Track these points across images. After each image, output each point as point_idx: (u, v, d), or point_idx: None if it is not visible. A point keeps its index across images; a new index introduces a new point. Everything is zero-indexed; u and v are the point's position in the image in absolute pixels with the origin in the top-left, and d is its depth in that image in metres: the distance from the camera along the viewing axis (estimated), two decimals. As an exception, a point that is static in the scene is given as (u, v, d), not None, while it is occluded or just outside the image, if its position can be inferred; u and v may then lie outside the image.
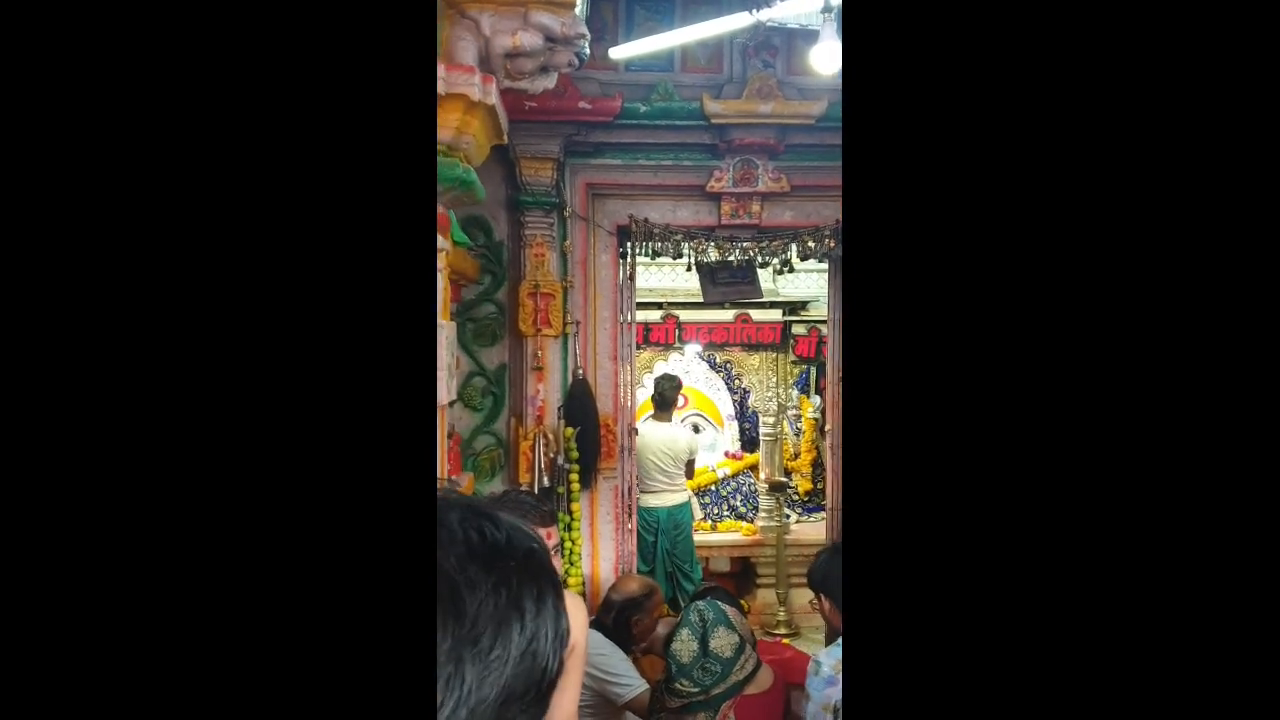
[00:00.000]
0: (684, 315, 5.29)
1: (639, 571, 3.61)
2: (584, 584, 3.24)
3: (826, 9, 2.12)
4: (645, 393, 5.39)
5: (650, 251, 3.47)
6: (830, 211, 3.47)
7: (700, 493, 5.24)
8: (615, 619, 2.68)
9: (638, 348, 5.25)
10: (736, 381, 5.57)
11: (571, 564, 3.23)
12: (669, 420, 4.64)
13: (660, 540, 4.27)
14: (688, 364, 5.48)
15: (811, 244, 3.50)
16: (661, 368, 5.39)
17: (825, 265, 3.84)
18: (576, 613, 1.89)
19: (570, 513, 3.24)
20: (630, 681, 2.43)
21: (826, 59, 2.12)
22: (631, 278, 3.58)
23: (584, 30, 2.08)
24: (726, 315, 5.33)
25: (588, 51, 2.29)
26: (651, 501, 4.26)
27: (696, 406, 5.51)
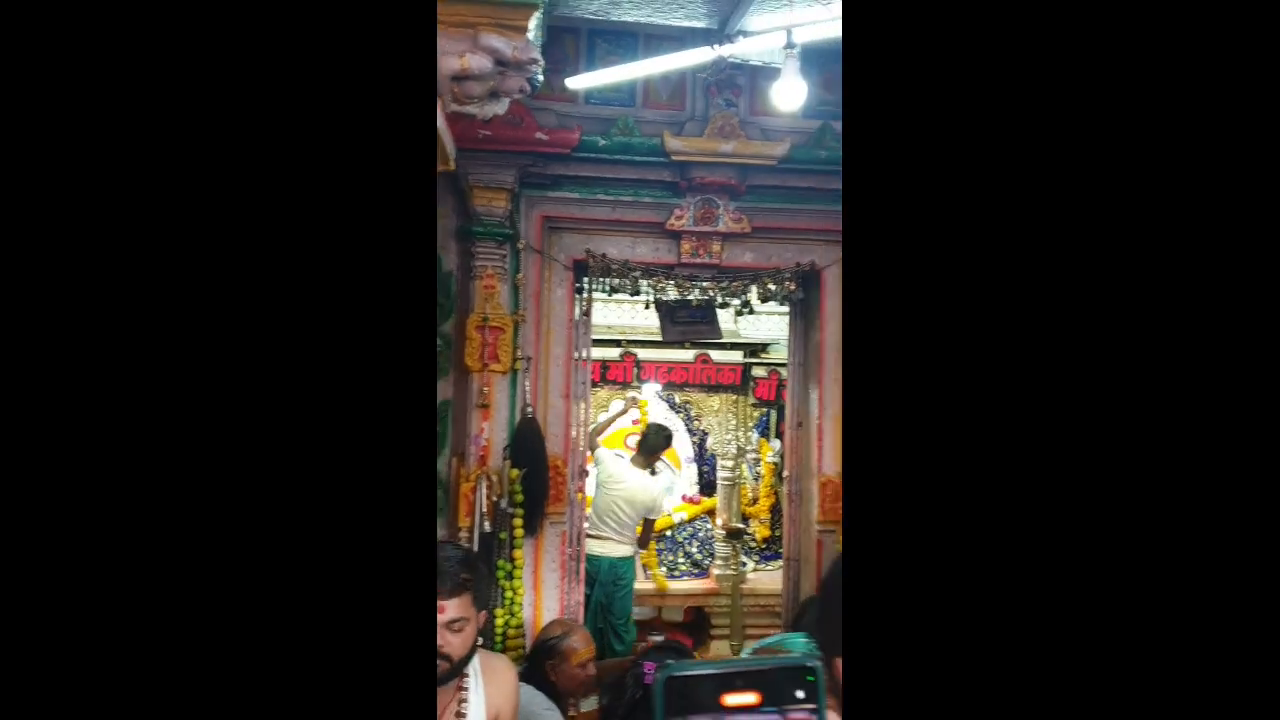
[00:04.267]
0: (643, 354, 5.19)
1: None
2: (523, 633, 3.06)
3: (789, 46, 2.05)
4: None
5: (608, 288, 3.37)
6: (791, 254, 3.41)
7: (657, 537, 5.09)
8: (530, 668, 2.52)
9: (594, 385, 5.15)
10: (696, 423, 5.46)
11: (512, 614, 3.05)
12: (646, 469, 4.37)
13: (596, 592, 3.98)
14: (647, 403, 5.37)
15: (772, 286, 3.43)
16: (618, 407, 5.27)
17: (786, 308, 3.78)
18: (503, 678, 1.75)
19: (512, 560, 3.07)
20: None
21: (788, 96, 2.05)
22: (587, 313, 3.47)
23: (536, 55, 1.99)
24: (687, 355, 5.24)
25: (540, 78, 2.21)
26: (595, 548, 3.97)
27: (654, 448, 5.38)
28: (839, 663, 0.69)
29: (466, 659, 1.50)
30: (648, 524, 4.28)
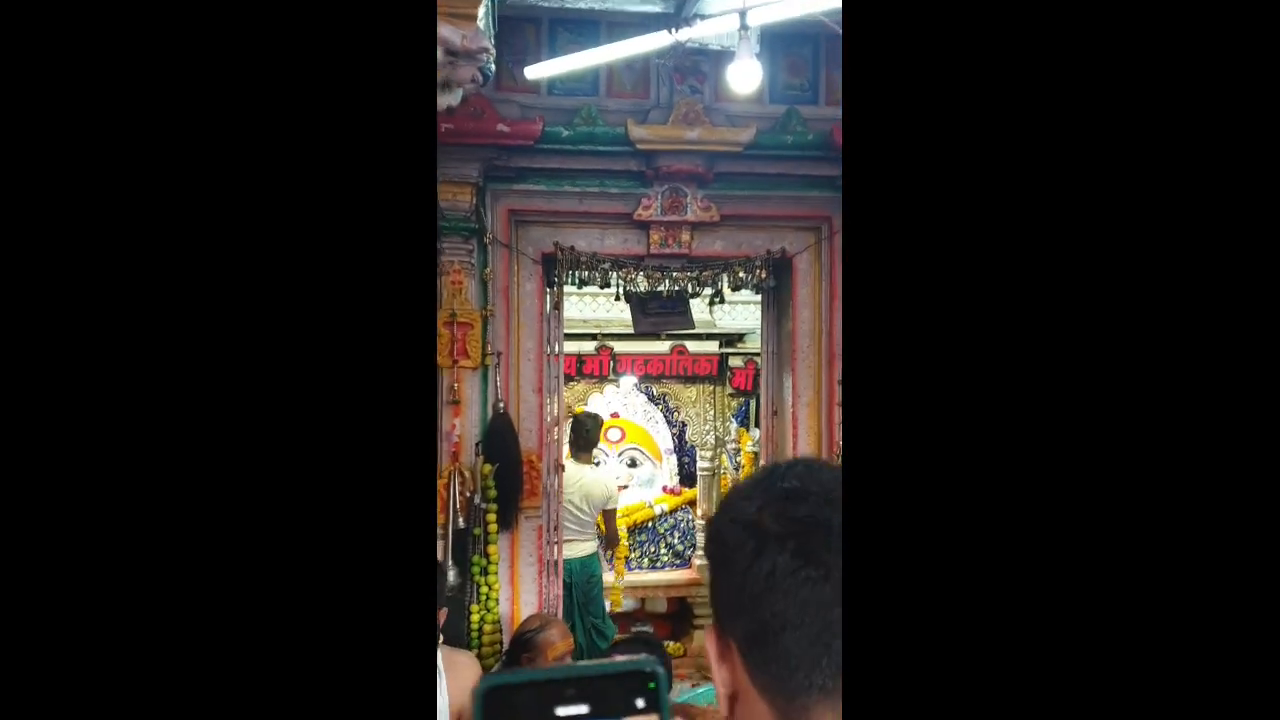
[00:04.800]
0: (619, 347, 5.17)
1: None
2: (499, 628, 3.04)
3: (744, 27, 2.04)
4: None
5: (577, 280, 3.35)
6: (761, 242, 3.40)
7: (637, 530, 5.07)
8: (507, 661, 2.50)
9: (570, 380, 5.13)
10: (675, 415, 5.45)
11: (488, 609, 3.03)
12: (590, 463, 4.30)
13: (574, 594, 3.93)
14: (625, 396, 5.35)
15: (742, 274, 3.42)
16: (596, 400, 5.25)
17: (758, 297, 3.77)
18: (466, 674, 1.73)
19: (487, 555, 3.05)
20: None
21: (743, 78, 2.03)
22: (558, 307, 3.44)
23: (487, 44, 1.96)
24: (662, 347, 5.22)
25: (493, 68, 2.18)
26: (564, 552, 3.94)
27: (634, 440, 5.37)
28: None
29: None
30: (608, 515, 4.22)
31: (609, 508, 4.20)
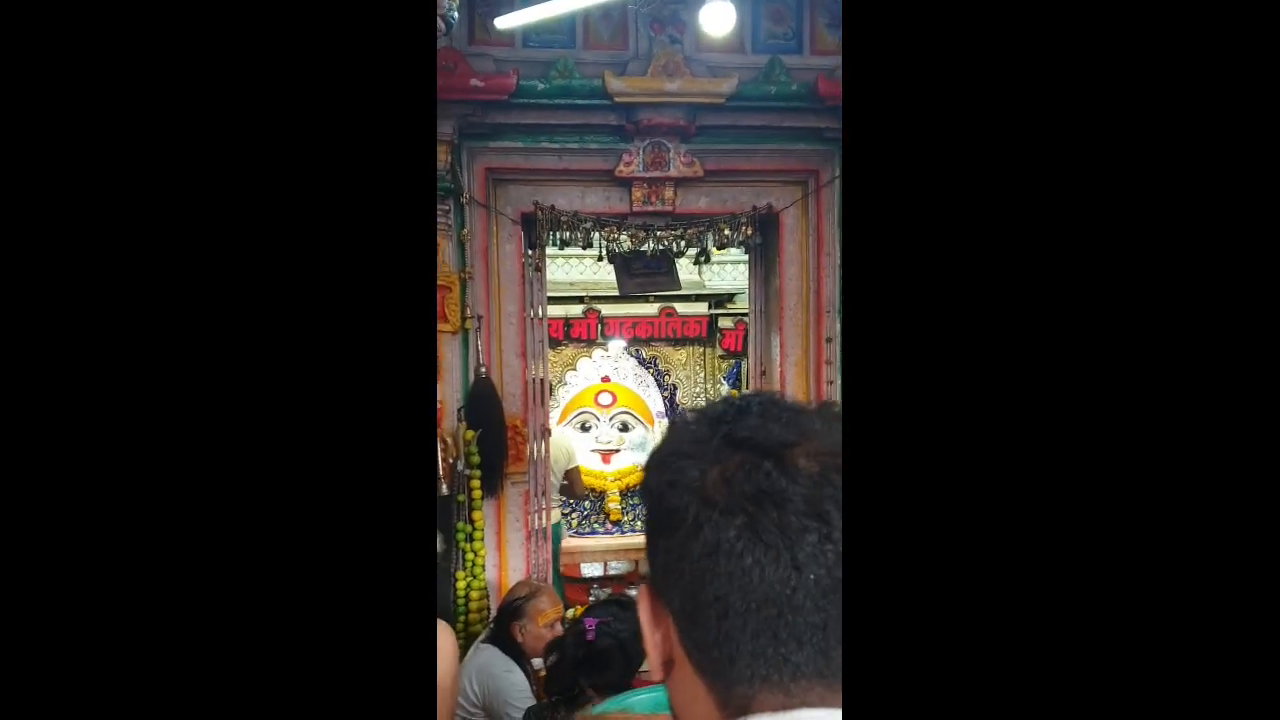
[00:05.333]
0: (606, 309, 5.09)
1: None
2: (486, 595, 3.01)
3: (718, -32, 1.93)
4: (567, 391, 5.19)
5: (558, 241, 3.26)
6: (747, 198, 3.31)
7: (630, 493, 5.05)
8: (497, 629, 2.47)
9: (558, 344, 5.06)
10: (666, 378, 5.39)
11: (475, 575, 3.00)
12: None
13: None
14: (614, 359, 5.29)
15: (728, 232, 3.33)
16: (585, 364, 5.19)
17: (746, 255, 3.69)
18: (442, 645, 1.68)
19: (472, 521, 3.01)
20: (522, 707, 2.22)
21: (715, 19, 1.94)
22: (539, 268, 3.36)
23: (447, -12, 1.86)
24: (651, 309, 5.15)
25: (455, 15, 2.08)
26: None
27: (625, 404, 5.32)
28: None
29: None
30: (571, 474, 4.22)
31: (570, 466, 4.20)
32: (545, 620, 2.50)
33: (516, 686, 2.31)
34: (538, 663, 2.41)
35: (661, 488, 0.55)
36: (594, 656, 1.79)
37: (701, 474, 0.53)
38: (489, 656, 2.43)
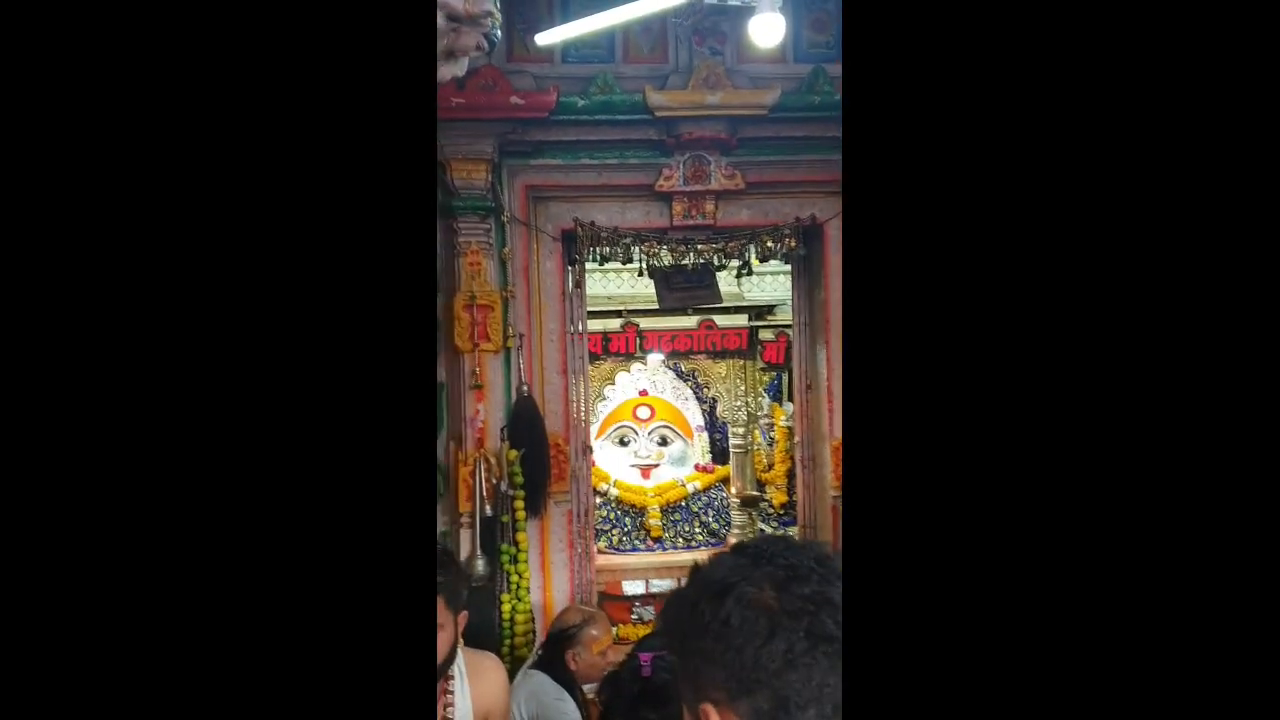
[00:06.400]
0: (645, 323, 5.05)
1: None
2: (532, 618, 2.97)
3: (765, -22, 1.89)
4: (606, 406, 5.15)
5: (599, 256, 3.23)
6: (789, 209, 3.25)
7: (670, 509, 4.99)
8: (548, 655, 2.41)
9: (597, 358, 5.02)
10: (705, 391, 5.33)
11: (519, 599, 2.96)
12: None
13: None
14: (652, 373, 5.24)
15: (771, 244, 3.27)
16: (624, 379, 5.15)
17: (788, 266, 3.62)
18: (492, 678, 1.65)
19: (516, 543, 2.98)
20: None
21: (766, 31, 1.89)
22: (580, 285, 3.33)
23: (490, 7, 1.83)
24: (690, 322, 5.09)
25: (499, 34, 2.05)
26: None
27: (664, 418, 5.26)
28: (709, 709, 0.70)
29: (447, 662, 1.40)
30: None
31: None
32: (600, 648, 2.45)
33: (567, 716, 2.26)
34: (588, 688, 2.36)
35: (729, 609, 0.67)
36: (653, 692, 1.74)
37: (759, 590, 0.66)
38: (539, 683, 2.38)
